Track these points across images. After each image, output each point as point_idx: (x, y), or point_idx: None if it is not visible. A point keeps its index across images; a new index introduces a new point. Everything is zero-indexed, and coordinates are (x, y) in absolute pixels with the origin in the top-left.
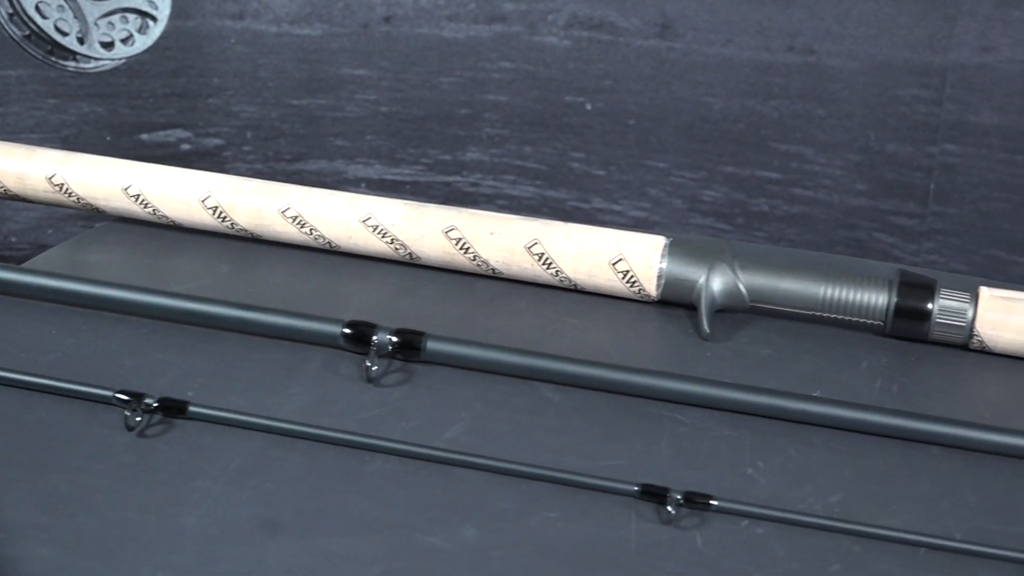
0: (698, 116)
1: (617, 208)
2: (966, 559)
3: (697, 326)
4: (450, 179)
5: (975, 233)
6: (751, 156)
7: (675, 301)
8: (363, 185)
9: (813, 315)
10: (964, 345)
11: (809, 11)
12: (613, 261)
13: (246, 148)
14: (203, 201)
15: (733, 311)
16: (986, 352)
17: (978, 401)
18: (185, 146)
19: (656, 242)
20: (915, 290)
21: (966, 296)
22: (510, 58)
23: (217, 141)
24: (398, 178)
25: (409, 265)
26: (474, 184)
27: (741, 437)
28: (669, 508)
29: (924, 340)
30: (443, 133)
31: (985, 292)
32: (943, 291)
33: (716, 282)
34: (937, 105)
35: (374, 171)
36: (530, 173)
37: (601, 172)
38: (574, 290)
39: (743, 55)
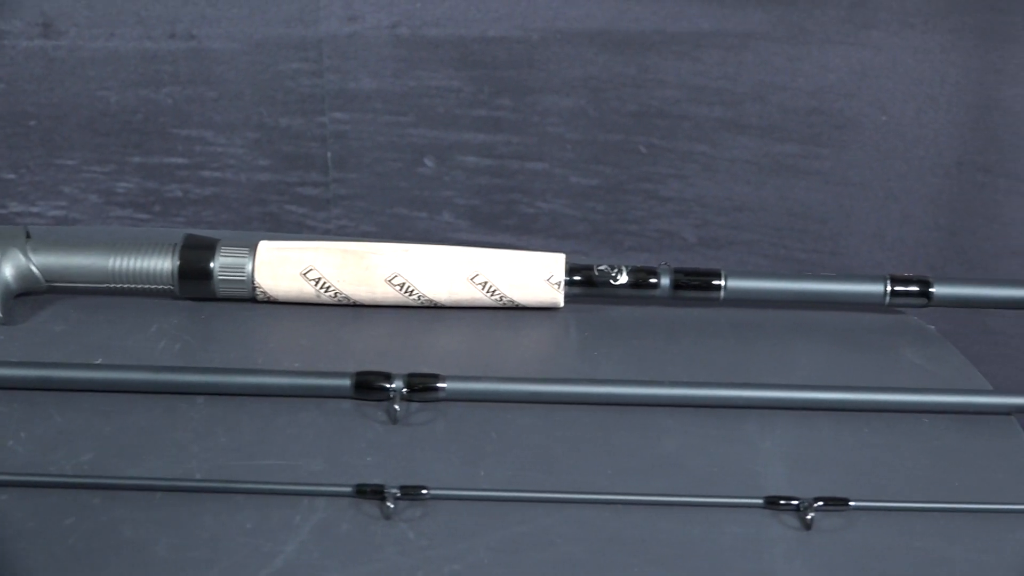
0: (97, 111)
1: (35, 210)
2: (200, 496)
3: None
4: None
5: (376, 194)
6: (155, 144)
7: None
8: None
9: (110, 287)
10: (252, 298)
11: None
12: None
13: None
14: None
15: (37, 293)
16: (273, 302)
17: (256, 349)
18: None
19: None
20: (196, 251)
21: (245, 251)
22: None
23: None
24: None
25: None
26: None
27: (11, 412)
28: None
29: (215, 298)
30: None
31: (263, 245)
32: (223, 249)
33: (8, 268)
34: (319, 76)
35: None
36: None
37: (12, 176)
38: None
39: (128, 46)
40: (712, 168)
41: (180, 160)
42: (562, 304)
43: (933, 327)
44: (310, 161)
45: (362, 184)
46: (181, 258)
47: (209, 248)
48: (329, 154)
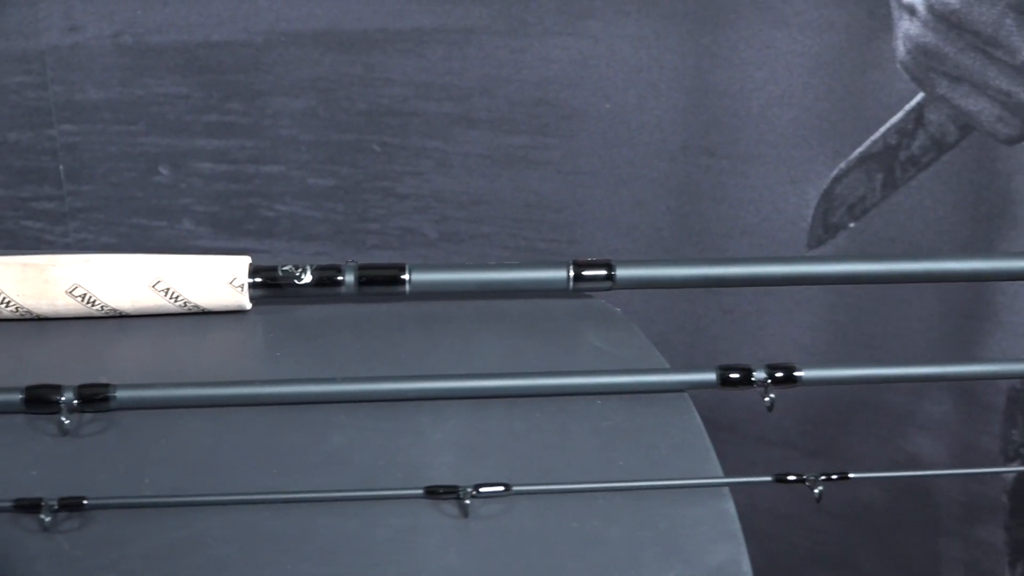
0: None
1: None
2: None
3: None
4: None
5: (114, 205)
6: None
7: None
8: None
9: None
10: None
11: None
12: None
13: None
14: None
15: None
16: None
17: None
18: None
19: None
20: None
21: None
22: None
23: None
24: None
25: None
26: None
27: None
28: None
29: None
30: None
31: None
32: None
33: None
34: (44, 89)
35: None
36: None
37: None
38: None
39: None
40: (446, 163)
41: None
42: (248, 307)
43: (619, 309)
44: (42, 175)
45: (98, 196)
46: None
47: None
48: (61, 167)
